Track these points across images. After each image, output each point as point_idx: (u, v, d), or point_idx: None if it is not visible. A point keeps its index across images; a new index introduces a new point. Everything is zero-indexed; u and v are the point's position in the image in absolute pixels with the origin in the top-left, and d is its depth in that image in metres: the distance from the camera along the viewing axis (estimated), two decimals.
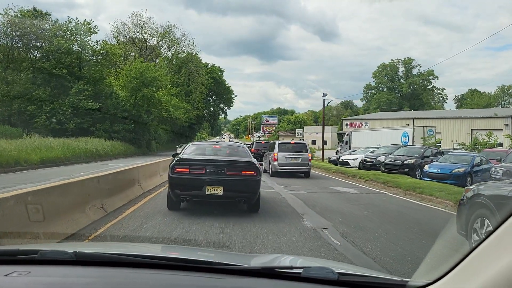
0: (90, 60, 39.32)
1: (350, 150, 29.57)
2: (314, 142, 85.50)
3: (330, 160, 30.21)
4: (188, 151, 8.90)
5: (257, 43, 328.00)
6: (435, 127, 37.14)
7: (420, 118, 57.44)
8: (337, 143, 79.96)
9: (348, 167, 22.88)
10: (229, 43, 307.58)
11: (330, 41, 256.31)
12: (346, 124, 70.92)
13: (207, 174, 7.51)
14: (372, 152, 22.53)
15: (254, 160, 8.24)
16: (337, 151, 51.76)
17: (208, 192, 7.44)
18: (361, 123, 67.83)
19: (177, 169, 7.61)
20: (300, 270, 1.49)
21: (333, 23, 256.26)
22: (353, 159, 23.53)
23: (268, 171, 18.80)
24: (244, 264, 1.65)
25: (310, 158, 18.19)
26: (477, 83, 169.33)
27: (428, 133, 36.65)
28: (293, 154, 17.69)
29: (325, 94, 31.40)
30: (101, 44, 40.39)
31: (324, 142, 74.69)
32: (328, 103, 34.00)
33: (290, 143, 19.48)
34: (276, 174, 17.57)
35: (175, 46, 62.06)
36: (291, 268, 1.57)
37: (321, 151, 45.63)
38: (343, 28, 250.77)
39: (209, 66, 76.39)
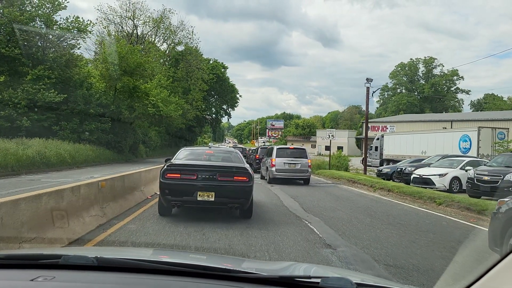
0: (55, 40, 30.49)
1: (414, 161, 20.53)
2: (328, 148, 76.30)
3: (379, 174, 21.14)
4: (181, 156, 8.62)
5: (259, 49, 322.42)
6: (508, 128, 28.04)
7: (459, 121, 48.41)
8: (355, 148, 70.95)
9: (424, 187, 13.89)
10: (231, 49, 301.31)
11: (332, 47, 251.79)
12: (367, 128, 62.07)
13: (198, 180, 7.28)
14: (485, 165, 13.38)
15: (247, 166, 7.99)
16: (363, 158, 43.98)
17: (199, 198, 7.20)
18: (385, 127, 58.93)
19: (168, 174, 7.37)
20: (318, 280, 1.45)
21: (334, 30, 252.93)
22: (439, 175, 14.41)
23: (265, 177, 17.80)
24: (261, 272, 1.64)
25: (309, 164, 17.12)
26: (481, 90, 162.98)
27: (498, 137, 27.69)
28: (291, 160, 16.76)
29: (369, 80, 22.39)
30: (71, 20, 31.42)
31: (340, 148, 64.18)
32: (374, 92, 25.05)
33: (289, 148, 18.53)
34: (273, 180, 16.65)
35: (172, 35, 53.22)
36: (309, 277, 1.55)
37: (354, 158, 36.68)
38: (344, 35, 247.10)
39: (211, 62, 67.41)
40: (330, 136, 24.32)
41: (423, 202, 10.71)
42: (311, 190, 14.34)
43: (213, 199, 7.15)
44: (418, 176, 15.00)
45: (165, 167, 7.50)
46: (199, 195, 7.14)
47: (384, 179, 19.65)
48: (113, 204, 7.32)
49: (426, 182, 14.47)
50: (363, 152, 57.83)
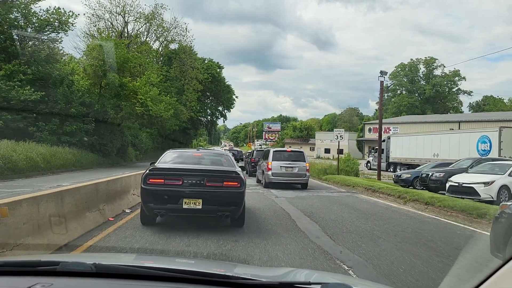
0: (34, 33, 27.72)
1: (439, 165, 17.91)
2: (327, 150, 73.38)
3: (397, 180, 18.47)
4: (166, 159, 7.95)
5: (254, 52, 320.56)
6: None
7: (467, 121, 46.01)
8: (356, 151, 68.41)
9: (462, 198, 11.23)
10: (227, 52, 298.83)
11: (327, 50, 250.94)
12: (369, 130, 59.63)
13: (184, 186, 6.65)
14: None
15: (238, 170, 7.39)
16: (368, 162, 41.87)
17: (185, 206, 6.59)
18: (388, 128, 56.36)
19: (150, 180, 6.70)
20: (318, 286, 1.44)
21: (329, 33, 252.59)
22: (484, 183, 11.71)
23: (261, 181, 17.33)
24: (260, 278, 1.58)
25: (307, 168, 16.40)
26: (477, 93, 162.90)
27: None
28: (288, 163, 16.07)
29: (383, 73, 19.75)
30: (52, 11, 28.63)
31: (340, 151, 61.03)
32: (389, 87, 22.42)
33: (286, 151, 18.11)
34: (270, 185, 15.93)
35: (164, 33, 50.48)
36: (309, 284, 1.53)
37: (359, 162, 33.95)
38: (339, 38, 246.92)
39: (206, 61, 64.63)
40: (339, 137, 21.64)
41: (488, 223, 8.01)
42: (327, 203, 11.58)
43: (200, 207, 6.59)
44: (457, 184, 12.26)
45: (147, 171, 6.81)
46: (185, 202, 6.58)
47: (403, 186, 17.03)
48: (32, 240, 4.47)
49: (467, 192, 11.77)
50: (364, 154, 54.86)
